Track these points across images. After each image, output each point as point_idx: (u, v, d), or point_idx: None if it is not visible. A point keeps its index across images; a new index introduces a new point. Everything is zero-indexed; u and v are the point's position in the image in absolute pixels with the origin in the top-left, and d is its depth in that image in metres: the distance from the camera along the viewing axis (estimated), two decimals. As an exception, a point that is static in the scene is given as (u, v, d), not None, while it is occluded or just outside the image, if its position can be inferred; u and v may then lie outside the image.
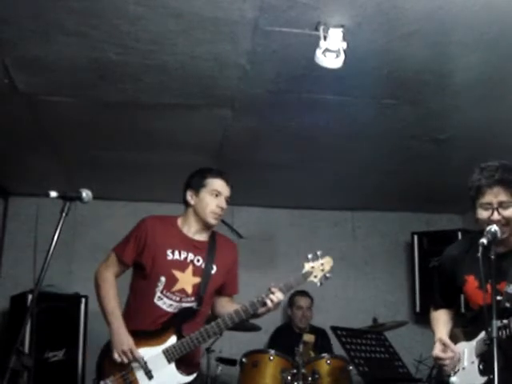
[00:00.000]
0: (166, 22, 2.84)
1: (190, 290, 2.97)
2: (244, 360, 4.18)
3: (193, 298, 2.97)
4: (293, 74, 3.33)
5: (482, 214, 2.51)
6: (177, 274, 2.96)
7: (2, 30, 2.90)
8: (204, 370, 4.68)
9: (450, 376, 2.60)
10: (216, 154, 4.63)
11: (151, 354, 2.87)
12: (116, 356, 2.82)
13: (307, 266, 2.95)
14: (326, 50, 2.80)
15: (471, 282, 2.60)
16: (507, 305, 2.39)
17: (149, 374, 2.85)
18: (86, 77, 3.39)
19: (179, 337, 2.90)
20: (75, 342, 4.83)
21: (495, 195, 2.46)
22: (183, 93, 3.61)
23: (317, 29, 2.80)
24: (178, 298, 2.95)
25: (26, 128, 4.14)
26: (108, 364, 2.89)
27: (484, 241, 2.33)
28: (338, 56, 2.82)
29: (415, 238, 5.85)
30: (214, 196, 3.02)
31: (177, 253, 3.00)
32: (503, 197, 2.46)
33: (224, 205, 3.05)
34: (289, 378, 3.96)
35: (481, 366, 2.46)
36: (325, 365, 4.07)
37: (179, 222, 3.09)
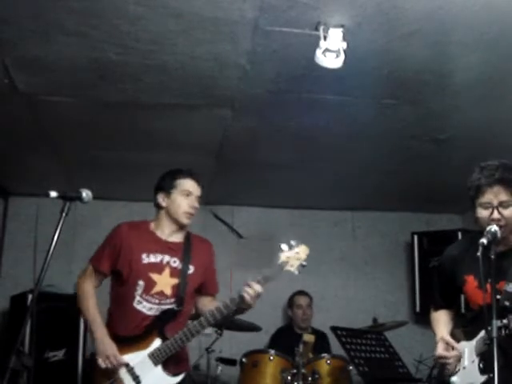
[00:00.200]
0: (166, 22, 2.84)
1: (169, 292, 2.98)
2: (244, 360, 4.18)
3: (173, 300, 2.99)
4: (293, 73, 3.33)
5: (482, 213, 2.51)
6: (154, 276, 2.98)
7: (1, 30, 2.91)
8: (204, 370, 4.69)
9: (451, 376, 2.60)
10: (216, 153, 4.63)
11: (137, 359, 2.89)
12: (100, 362, 2.85)
13: (283, 256, 2.92)
14: (326, 49, 2.80)
15: (471, 281, 2.60)
16: (506, 303, 2.39)
17: (137, 380, 2.87)
18: (86, 77, 3.39)
19: (163, 339, 2.91)
20: (75, 342, 4.83)
21: (495, 194, 2.46)
22: (183, 93, 3.61)
23: (317, 29, 2.80)
24: (157, 301, 2.96)
25: (26, 128, 4.14)
26: (97, 374, 2.92)
27: (484, 241, 2.33)
28: (338, 56, 2.83)
29: (415, 237, 5.84)
30: (185, 196, 3.05)
31: (152, 256, 3.01)
32: (503, 196, 2.46)
33: (196, 204, 3.07)
34: (289, 377, 3.96)
35: (481, 365, 2.46)
36: (325, 365, 4.07)
37: (152, 226, 3.12)
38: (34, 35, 2.95)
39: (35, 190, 5.10)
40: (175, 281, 3.01)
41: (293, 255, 2.93)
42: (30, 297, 4.59)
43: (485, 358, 2.43)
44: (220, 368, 4.55)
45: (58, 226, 2.36)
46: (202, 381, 4.66)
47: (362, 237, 6.13)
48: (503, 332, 2.29)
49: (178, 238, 3.11)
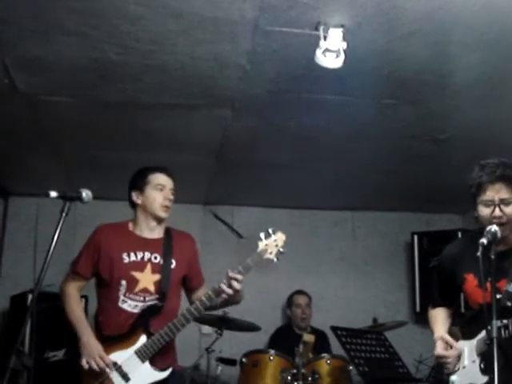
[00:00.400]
0: (166, 22, 2.84)
1: (152, 288, 3.00)
2: (244, 360, 4.18)
3: (157, 296, 3.00)
4: (293, 73, 3.33)
5: (483, 210, 2.51)
6: (136, 274, 3.00)
7: (1, 30, 2.90)
8: (204, 370, 4.68)
9: (450, 374, 2.60)
10: (216, 154, 4.63)
11: (124, 356, 2.90)
12: (84, 363, 2.88)
13: (261, 245, 2.96)
14: (326, 49, 2.80)
15: (471, 280, 2.60)
16: (508, 303, 2.39)
17: (125, 377, 2.88)
18: (86, 77, 3.39)
19: (148, 335, 2.92)
20: (75, 342, 4.81)
21: (497, 191, 2.47)
22: (183, 93, 3.61)
23: (317, 29, 2.80)
24: (141, 298, 2.98)
25: (26, 128, 4.14)
26: (85, 375, 2.94)
27: (484, 241, 2.33)
28: (338, 56, 2.83)
29: (415, 237, 5.85)
30: (158, 190, 3.10)
31: (133, 254, 3.04)
32: (504, 193, 2.47)
33: (171, 196, 3.12)
34: (289, 377, 3.96)
35: (482, 365, 2.46)
36: (325, 365, 4.07)
37: (130, 225, 3.16)
38: (33, 35, 2.95)
39: (35, 189, 5.10)
40: (157, 277, 3.02)
41: (271, 243, 2.96)
42: (30, 297, 4.59)
43: (486, 358, 2.43)
44: (220, 368, 4.54)
45: (57, 226, 2.36)
46: (202, 381, 4.66)
47: (361, 237, 6.13)
48: (504, 332, 2.29)
49: (156, 234, 3.13)
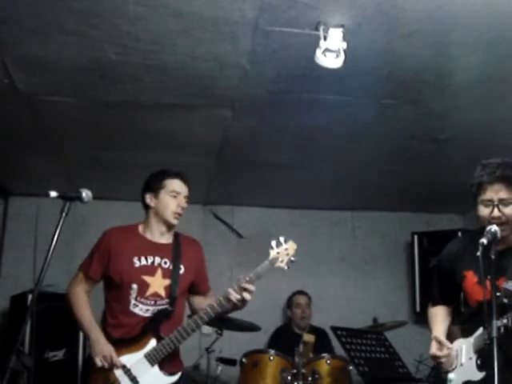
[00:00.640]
0: (166, 22, 2.84)
1: (162, 293, 3.01)
2: (244, 360, 4.18)
3: (167, 300, 3.01)
4: (293, 73, 3.33)
5: (483, 210, 2.51)
6: (147, 279, 3.00)
7: (2, 30, 2.91)
8: (204, 370, 4.69)
9: (447, 372, 2.61)
10: (216, 154, 4.63)
11: (134, 360, 2.90)
12: (97, 361, 2.85)
13: (272, 253, 2.97)
14: (326, 49, 2.80)
15: (470, 277, 2.60)
16: (505, 301, 2.40)
17: (134, 381, 2.88)
18: (86, 77, 3.39)
19: (158, 339, 2.92)
20: (75, 342, 4.83)
21: (496, 192, 2.47)
22: (183, 93, 3.61)
23: (317, 29, 2.80)
24: (152, 302, 2.99)
25: (26, 128, 4.14)
26: (93, 375, 2.92)
27: (484, 241, 2.34)
28: (337, 56, 2.83)
29: (415, 237, 5.84)
30: (173, 196, 3.07)
31: (143, 259, 3.03)
32: (504, 194, 2.47)
33: (184, 204, 3.10)
34: (289, 377, 3.96)
35: (478, 362, 2.47)
36: (325, 365, 4.07)
37: (140, 228, 3.14)
38: (33, 35, 2.95)
39: (35, 189, 5.10)
40: (167, 281, 3.03)
41: (282, 251, 2.98)
42: (30, 297, 4.59)
43: (482, 354, 2.45)
44: (220, 368, 4.54)
45: (58, 226, 2.36)
46: (202, 381, 4.66)
47: (362, 237, 6.13)
48: (502, 330, 2.30)
49: (166, 238, 3.13)
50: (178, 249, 3.11)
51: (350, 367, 4.13)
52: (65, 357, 4.79)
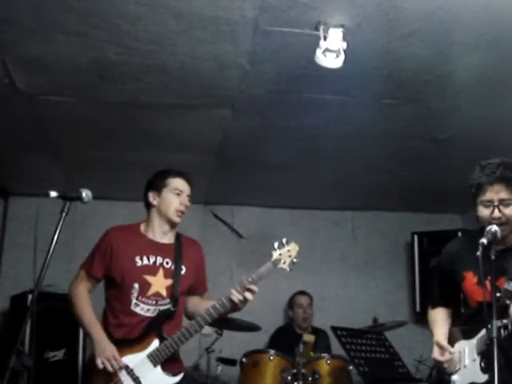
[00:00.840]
0: (166, 22, 2.84)
1: (164, 293, 3.01)
2: (244, 360, 4.18)
3: (168, 300, 3.01)
4: (293, 73, 3.33)
5: (483, 211, 2.51)
6: (149, 278, 3.00)
7: (2, 30, 2.90)
8: (204, 370, 4.69)
9: (451, 374, 2.60)
10: (216, 154, 4.63)
11: (136, 360, 2.90)
12: (99, 362, 2.84)
13: (275, 254, 2.98)
14: (326, 49, 2.80)
15: (470, 278, 2.60)
16: (507, 302, 2.39)
17: (137, 381, 2.87)
18: (86, 77, 3.39)
19: (161, 339, 2.92)
20: (75, 342, 4.83)
21: (496, 192, 2.47)
22: (183, 93, 3.61)
23: (317, 29, 2.80)
24: (154, 302, 2.99)
25: (25, 128, 4.14)
26: (95, 376, 2.91)
27: (484, 241, 2.33)
28: (337, 56, 2.83)
29: (415, 237, 5.85)
30: (176, 195, 3.09)
31: (145, 258, 3.03)
32: (504, 194, 2.47)
33: (187, 202, 3.12)
34: (289, 377, 3.95)
35: (482, 364, 2.46)
36: (325, 365, 4.07)
37: (142, 227, 3.14)
38: (33, 35, 2.95)
39: (35, 190, 5.10)
40: (169, 281, 3.03)
41: (285, 252, 2.99)
42: (30, 297, 4.58)
43: (486, 356, 2.43)
44: (220, 368, 4.54)
45: (58, 226, 2.36)
46: (202, 381, 4.66)
47: (362, 237, 6.13)
48: (503, 332, 2.29)
49: (168, 238, 3.13)
50: (179, 249, 3.11)
51: (350, 367, 4.12)
52: (65, 357, 4.79)
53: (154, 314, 2.97)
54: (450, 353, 2.61)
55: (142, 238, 3.10)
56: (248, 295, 2.88)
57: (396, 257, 6.07)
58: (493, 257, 2.28)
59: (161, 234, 3.12)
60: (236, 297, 2.88)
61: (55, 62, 3.21)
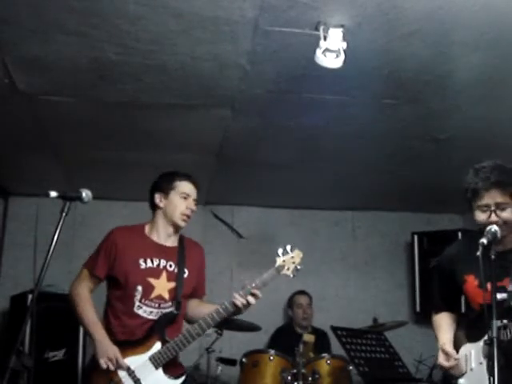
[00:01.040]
0: (166, 22, 2.84)
1: (167, 296, 3.01)
2: (244, 360, 4.18)
3: (171, 303, 3.01)
4: (293, 73, 3.33)
5: (480, 215, 2.51)
6: (152, 281, 3.00)
7: (2, 30, 2.90)
8: (204, 370, 4.69)
9: (457, 378, 2.60)
10: (216, 154, 4.63)
11: (138, 362, 2.89)
12: (102, 363, 2.83)
13: (279, 261, 3.02)
14: (326, 49, 2.80)
15: (471, 281, 2.60)
16: None
17: (138, 383, 2.87)
18: (86, 77, 3.39)
19: (163, 342, 2.92)
20: (75, 342, 4.83)
21: (492, 198, 2.48)
22: (183, 93, 3.61)
23: (317, 29, 2.80)
24: (156, 305, 2.98)
25: (25, 128, 4.14)
26: (95, 377, 2.91)
27: (484, 241, 2.33)
28: (337, 56, 2.83)
29: (415, 237, 5.84)
30: (183, 198, 3.08)
31: (149, 261, 3.03)
32: (500, 199, 2.47)
33: (193, 206, 3.12)
34: (289, 377, 3.96)
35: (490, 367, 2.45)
36: (325, 365, 4.07)
37: (146, 229, 3.13)
38: (33, 35, 2.95)
39: (35, 190, 5.10)
40: (172, 284, 3.03)
41: (288, 259, 3.03)
42: (30, 297, 4.58)
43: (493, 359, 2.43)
44: (220, 368, 4.55)
45: (58, 226, 2.36)
46: (202, 381, 4.66)
47: (362, 237, 6.13)
48: (505, 333, 2.29)
49: (172, 241, 3.13)
50: (182, 252, 3.11)
51: (350, 367, 4.13)
52: (65, 357, 4.79)
53: (156, 317, 2.97)
54: (456, 359, 2.60)
55: (145, 240, 3.09)
56: (251, 299, 2.91)
57: (396, 257, 6.07)
58: (493, 256, 2.28)
59: (165, 236, 3.11)
60: (239, 301, 2.90)
61: (55, 61, 3.21)
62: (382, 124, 4.03)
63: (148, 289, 2.97)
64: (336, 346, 4.62)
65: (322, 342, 4.79)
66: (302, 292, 5.42)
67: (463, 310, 2.96)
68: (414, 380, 4.40)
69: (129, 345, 2.91)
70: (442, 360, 2.64)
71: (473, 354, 2.57)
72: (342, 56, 2.83)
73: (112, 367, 2.84)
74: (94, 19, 2.82)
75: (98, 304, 3.09)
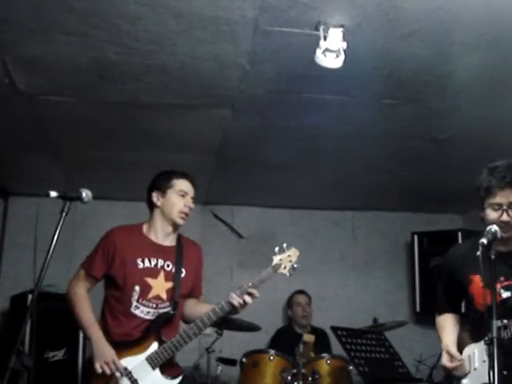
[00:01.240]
0: (166, 22, 2.84)
1: (164, 296, 3.00)
2: (244, 360, 4.18)
3: (168, 303, 3.01)
4: (293, 74, 3.33)
5: (492, 214, 2.51)
6: (150, 281, 2.99)
7: (1, 30, 2.90)
8: (204, 370, 4.69)
9: (460, 379, 2.60)
10: (216, 153, 4.63)
11: (135, 362, 2.89)
12: (97, 367, 2.83)
13: (276, 259, 3.01)
14: (326, 49, 2.80)
15: (477, 281, 2.59)
16: None
17: (135, 383, 2.86)
18: (86, 77, 3.39)
19: (160, 342, 2.92)
20: (75, 342, 4.83)
21: (506, 197, 2.48)
22: (183, 93, 3.61)
23: (317, 29, 2.80)
24: (154, 305, 2.98)
25: (25, 128, 4.14)
26: (93, 378, 2.90)
27: (484, 241, 2.34)
28: (337, 56, 2.83)
29: (415, 237, 5.85)
30: (180, 196, 3.08)
31: (147, 260, 3.03)
32: None
33: (191, 204, 3.11)
34: (289, 377, 3.96)
35: None
36: (325, 365, 4.07)
37: (144, 228, 3.13)
38: (33, 35, 2.95)
39: (35, 190, 5.09)
40: (170, 284, 3.03)
41: (285, 258, 3.01)
42: (30, 297, 4.59)
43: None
44: (220, 368, 4.54)
45: (58, 226, 2.36)
46: (202, 381, 4.66)
47: (362, 237, 6.14)
48: (504, 333, 2.30)
49: (170, 241, 3.13)
50: (180, 252, 3.11)
51: (350, 367, 4.13)
52: (65, 357, 4.79)
53: (153, 317, 2.97)
54: (459, 360, 2.61)
55: (143, 240, 3.09)
56: (247, 299, 2.90)
57: (396, 257, 6.07)
58: (493, 256, 2.29)
59: (163, 235, 3.10)
60: (236, 300, 2.89)
61: (55, 61, 3.21)
62: (381, 124, 4.03)
63: (145, 289, 2.97)
64: (336, 346, 4.62)
65: (321, 342, 4.79)
66: (301, 291, 5.43)
67: (463, 310, 2.97)
68: (413, 380, 4.40)
69: (125, 345, 2.91)
70: (445, 361, 2.64)
71: (476, 353, 2.58)
72: (342, 56, 2.83)
73: (108, 371, 2.83)
74: (94, 19, 2.82)
75: (96, 303, 3.08)
